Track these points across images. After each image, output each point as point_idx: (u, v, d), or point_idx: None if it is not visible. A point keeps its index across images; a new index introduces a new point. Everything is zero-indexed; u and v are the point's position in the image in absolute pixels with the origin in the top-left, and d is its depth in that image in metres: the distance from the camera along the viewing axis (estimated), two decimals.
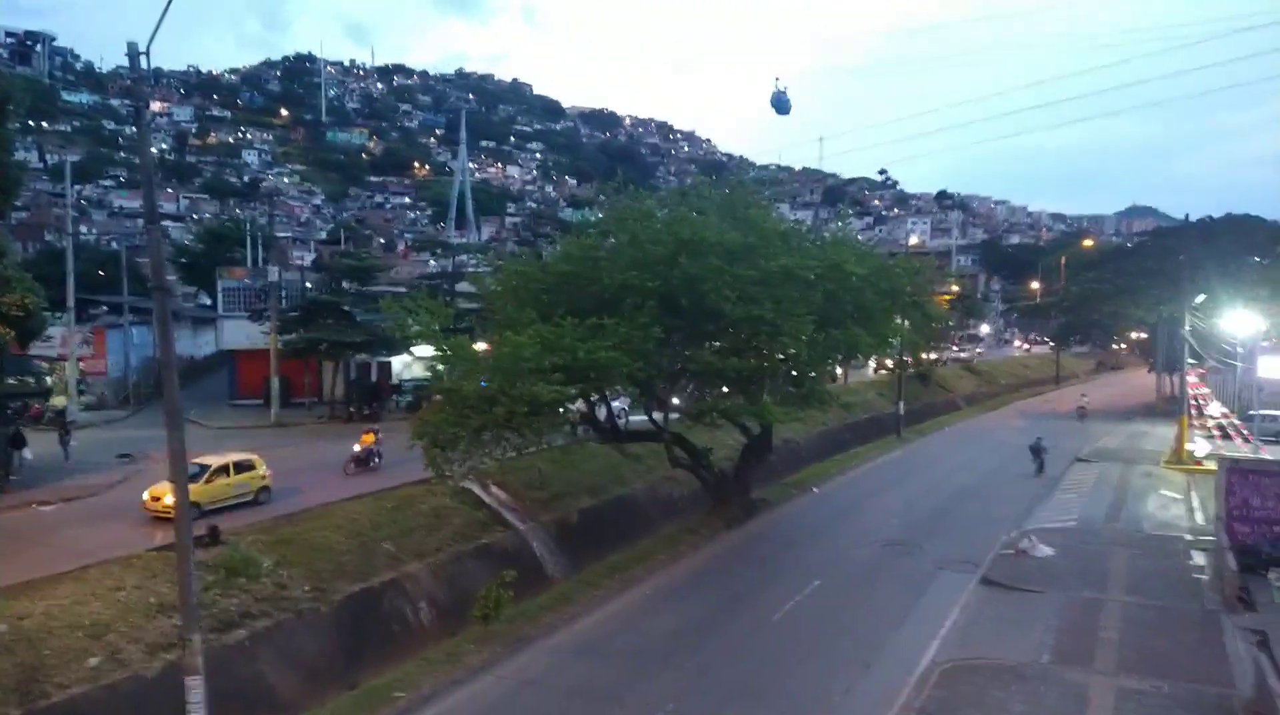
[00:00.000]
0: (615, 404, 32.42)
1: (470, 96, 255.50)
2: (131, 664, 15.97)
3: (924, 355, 64.53)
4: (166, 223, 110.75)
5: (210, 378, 59.16)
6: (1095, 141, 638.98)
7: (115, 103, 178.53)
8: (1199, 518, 32.22)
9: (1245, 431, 43.14)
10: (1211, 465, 33.75)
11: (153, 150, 18.36)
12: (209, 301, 72.40)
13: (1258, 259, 68.61)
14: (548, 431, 26.91)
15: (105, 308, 61.90)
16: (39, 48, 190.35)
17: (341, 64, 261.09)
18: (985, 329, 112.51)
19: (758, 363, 28.47)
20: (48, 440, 32.46)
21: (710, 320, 26.84)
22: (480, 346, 27.87)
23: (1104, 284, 74.11)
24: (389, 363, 50.90)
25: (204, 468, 23.83)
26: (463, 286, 51.42)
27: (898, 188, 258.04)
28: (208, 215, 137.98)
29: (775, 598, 23.67)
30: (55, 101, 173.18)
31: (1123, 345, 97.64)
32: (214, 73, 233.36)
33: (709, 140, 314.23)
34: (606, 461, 32.55)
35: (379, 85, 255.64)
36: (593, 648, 20.72)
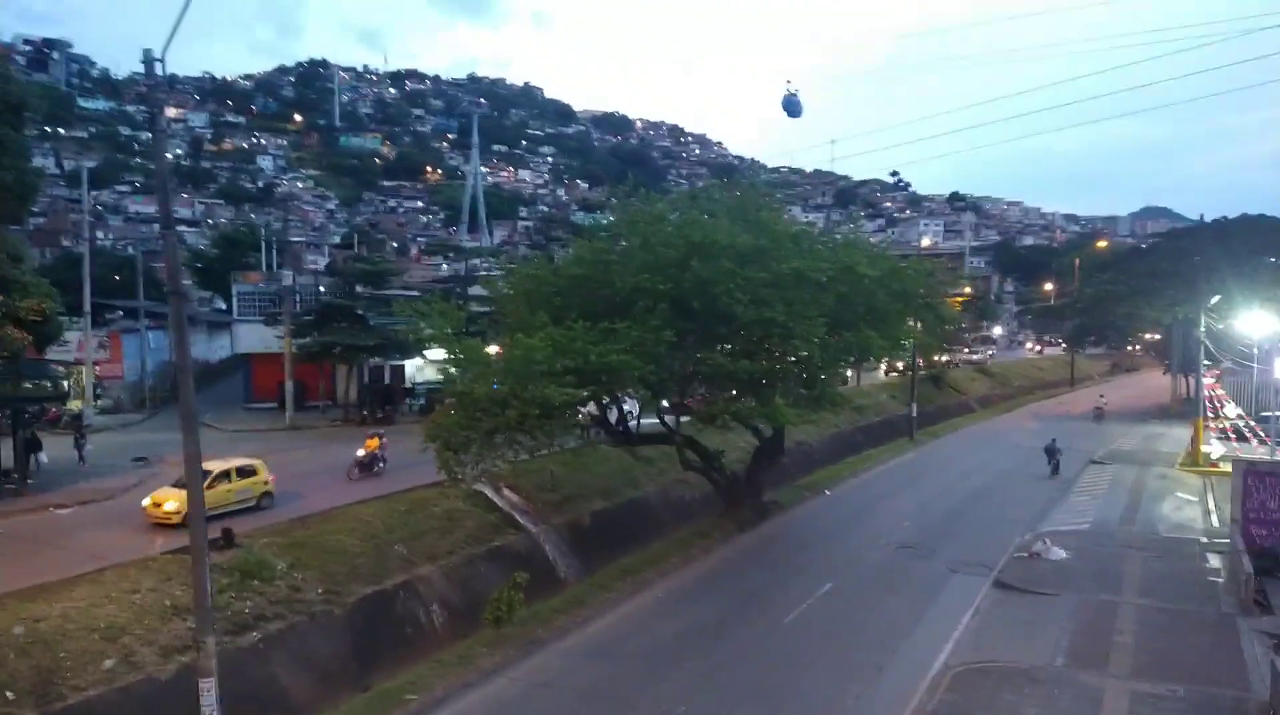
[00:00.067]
0: (625, 406, 32.44)
1: (482, 101, 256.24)
2: (146, 666, 16.07)
3: (936, 357, 64.37)
4: (182, 228, 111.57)
5: (225, 381, 59.61)
6: (1108, 142, 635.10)
7: (131, 109, 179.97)
8: (1214, 520, 32.01)
9: (1262, 433, 42.80)
10: (1227, 467, 33.48)
11: (168, 156, 18.50)
12: (224, 306, 73.02)
13: (1273, 259, 68.12)
14: (560, 434, 26.89)
15: (121, 312, 62.40)
16: (56, 55, 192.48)
17: (354, 69, 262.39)
18: (998, 331, 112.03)
19: (769, 365, 28.49)
20: (63, 444, 32.74)
21: (722, 323, 26.82)
22: (492, 349, 27.97)
23: (1118, 285, 73.77)
24: (402, 366, 51.12)
25: (206, 473, 23.75)
26: (475, 290, 51.69)
27: (910, 189, 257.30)
28: (223, 220, 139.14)
29: (787, 600, 23.64)
30: (72, 108, 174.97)
31: (1137, 347, 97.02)
32: (228, 79, 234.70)
33: (720, 143, 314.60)
34: (618, 464, 32.56)
35: (391, 90, 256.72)
36: (605, 650, 20.74)
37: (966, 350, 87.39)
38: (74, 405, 43.01)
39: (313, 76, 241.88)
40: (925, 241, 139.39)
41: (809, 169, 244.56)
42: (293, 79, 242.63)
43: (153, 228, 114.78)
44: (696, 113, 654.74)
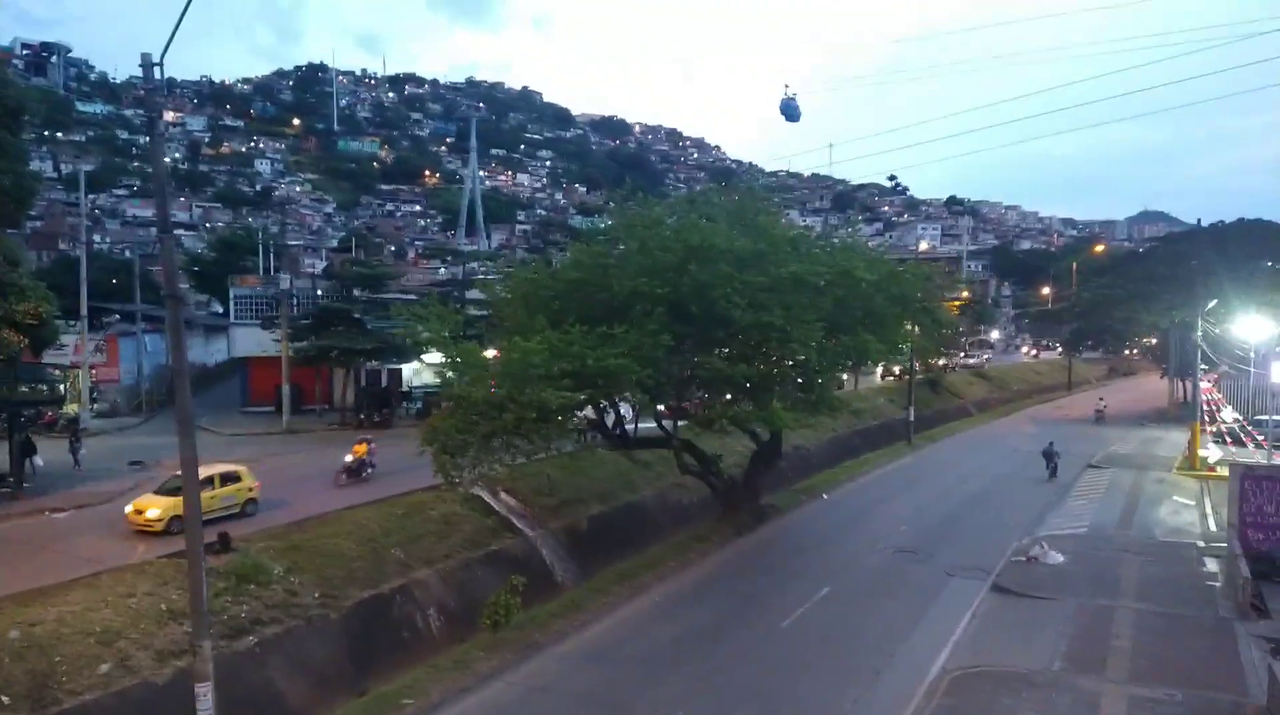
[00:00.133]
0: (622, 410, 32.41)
1: (480, 105, 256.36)
2: (142, 671, 16.04)
3: (934, 361, 64.45)
4: (179, 231, 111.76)
5: (222, 385, 59.51)
6: (1106, 147, 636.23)
7: (129, 113, 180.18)
8: (1212, 525, 32.02)
9: (1259, 437, 42.83)
10: (1224, 471, 33.49)
11: (166, 159, 18.46)
12: (221, 309, 72.88)
13: (1270, 264, 68.27)
14: (557, 438, 26.86)
15: (118, 316, 62.40)
16: (54, 59, 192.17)
17: (353, 73, 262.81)
18: (996, 335, 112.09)
19: (767, 369, 28.50)
20: (59, 447, 32.67)
21: (720, 327, 26.82)
22: (490, 353, 27.94)
23: (1116, 289, 73.88)
24: (399, 370, 51.12)
25: None
26: (473, 294, 51.56)
27: (907, 193, 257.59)
28: (220, 224, 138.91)
29: (785, 604, 23.62)
30: (70, 112, 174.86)
31: (1134, 351, 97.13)
32: (227, 83, 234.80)
33: (718, 147, 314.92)
34: (616, 468, 32.55)
35: (390, 94, 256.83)
36: (602, 654, 20.71)
37: (964, 354, 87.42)
38: (70, 409, 42.99)
39: (311, 80, 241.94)
40: (923, 245, 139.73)
41: (807, 173, 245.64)
42: (291, 83, 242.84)
43: (150, 231, 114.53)
44: (695, 116, 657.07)
